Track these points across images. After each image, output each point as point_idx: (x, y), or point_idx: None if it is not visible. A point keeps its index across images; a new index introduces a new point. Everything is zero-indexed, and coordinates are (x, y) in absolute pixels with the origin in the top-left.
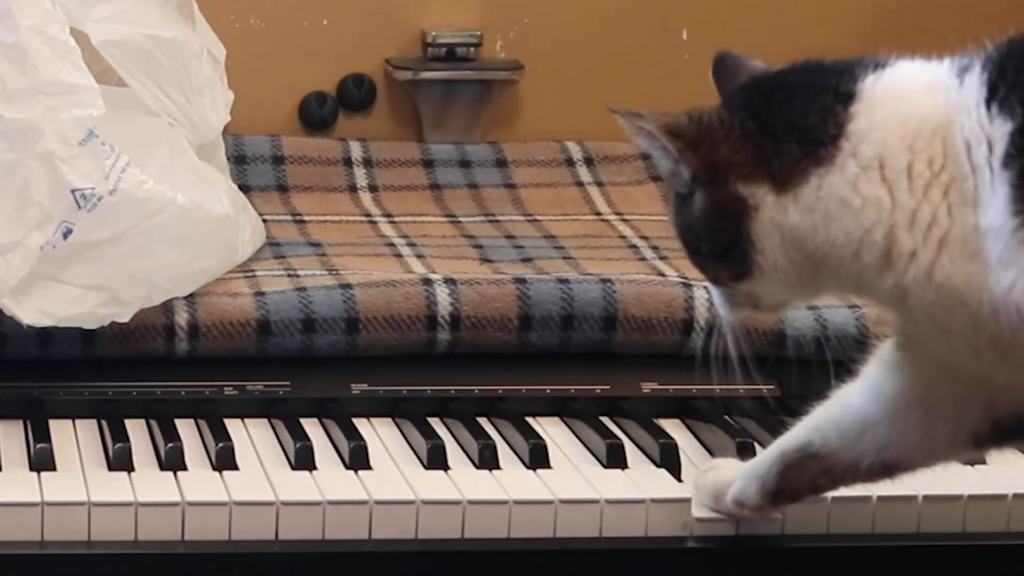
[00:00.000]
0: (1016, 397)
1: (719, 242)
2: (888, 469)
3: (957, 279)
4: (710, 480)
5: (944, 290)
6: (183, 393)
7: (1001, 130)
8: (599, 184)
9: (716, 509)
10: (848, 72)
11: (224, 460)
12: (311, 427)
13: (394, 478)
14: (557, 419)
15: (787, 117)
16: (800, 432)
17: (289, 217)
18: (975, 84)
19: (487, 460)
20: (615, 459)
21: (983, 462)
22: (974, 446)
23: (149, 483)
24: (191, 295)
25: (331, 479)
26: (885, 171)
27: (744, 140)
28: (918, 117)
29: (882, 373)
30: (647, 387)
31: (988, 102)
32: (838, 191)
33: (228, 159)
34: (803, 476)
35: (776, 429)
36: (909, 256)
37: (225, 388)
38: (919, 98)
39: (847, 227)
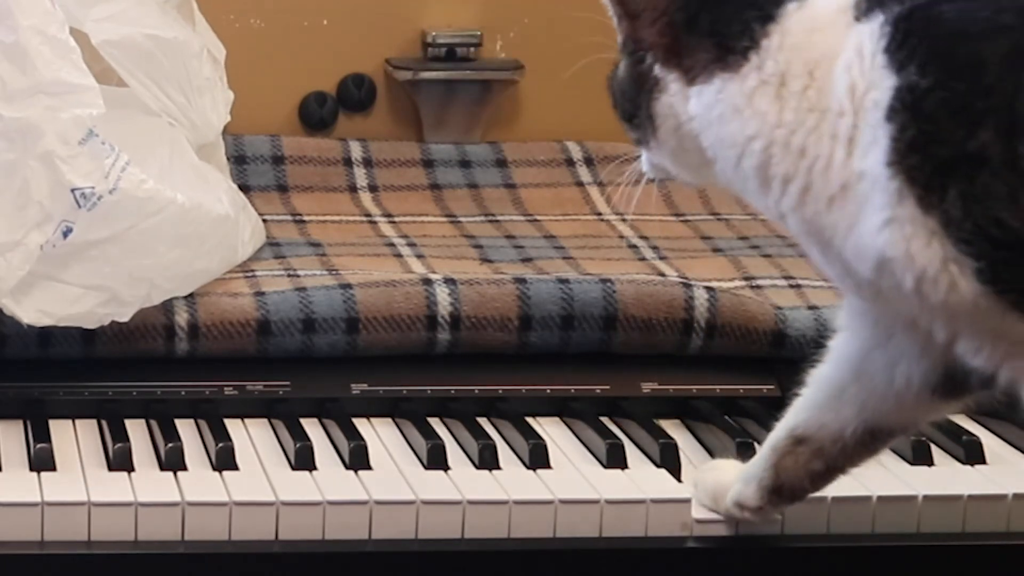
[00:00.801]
0: (942, 343)
1: (628, 107)
2: (872, 434)
3: (825, 219)
4: (710, 481)
5: (812, 226)
6: (183, 393)
7: (889, 82)
8: (599, 184)
9: (716, 510)
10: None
11: (224, 460)
12: (311, 427)
13: (394, 478)
14: (557, 419)
15: (712, 19)
16: (784, 422)
17: (289, 217)
18: (876, 30)
19: (487, 460)
20: (615, 459)
21: (983, 462)
22: (939, 397)
23: (149, 483)
24: (191, 295)
25: (331, 479)
26: (782, 89)
27: (669, 28)
28: (825, 48)
29: (841, 337)
30: (647, 387)
31: (886, 51)
32: (734, 98)
33: (228, 159)
34: (796, 464)
35: None
36: (782, 181)
37: (225, 388)
38: (829, 30)
39: (733, 132)
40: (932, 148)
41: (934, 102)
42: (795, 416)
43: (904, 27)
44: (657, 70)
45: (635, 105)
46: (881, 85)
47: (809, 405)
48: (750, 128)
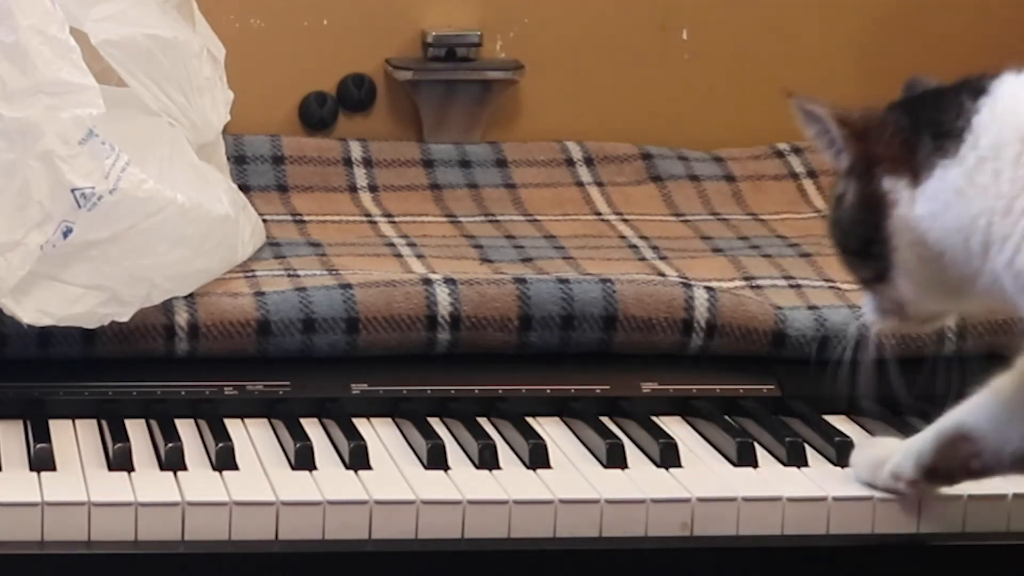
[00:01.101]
0: None
1: (861, 236)
2: None
3: None
4: (870, 455)
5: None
6: (183, 393)
7: None
8: (599, 184)
9: (872, 483)
10: (988, 76)
11: (224, 460)
12: (311, 427)
13: (394, 478)
14: (557, 419)
15: (929, 113)
16: (956, 413)
17: (289, 217)
18: None
19: (487, 460)
20: (615, 459)
21: None
22: None
23: (149, 483)
24: (191, 295)
25: (331, 479)
26: (997, 162)
27: (895, 136)
28: None
29: None
30: (647, 387)
31: None
32: (956, 181)
33: (228, 159)
34: (956, 455)
35: (776, 429)
36: (1001, 241)
37: (225, 388)
38: None
39: (959, 215)
40: None
41: None
42: (967, 413)
43: None
44: (886, 184)
45: (869, 231)
46: None
47: (981, 409)
48: (974, 206)
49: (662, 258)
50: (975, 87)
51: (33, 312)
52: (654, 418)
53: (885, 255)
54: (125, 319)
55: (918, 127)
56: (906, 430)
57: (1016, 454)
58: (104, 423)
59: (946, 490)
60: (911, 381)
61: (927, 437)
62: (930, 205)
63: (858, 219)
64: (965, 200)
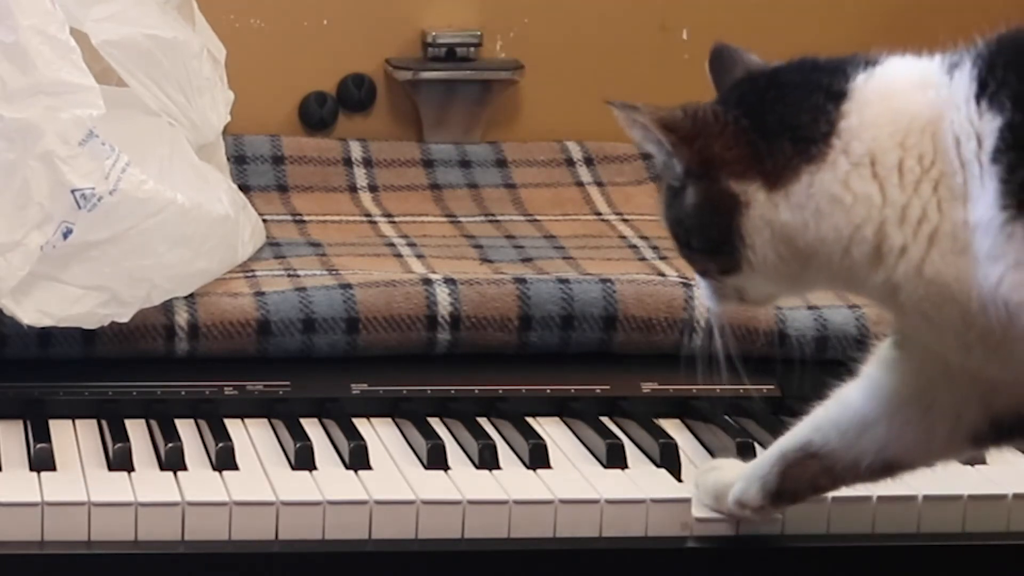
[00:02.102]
0: (1012, 395)
1: (709, 237)
2: (888, 468)
3: (947, 274)
4: (711, 480)
5: (934, 285)
6: (183, 393)
7: (990, 125)
8: (599, 184)
9: (717, 509)
10: (840, 70)
11: (224, 460)
12: (311, 427)
13: (394, 478)
14: (557, 419)
15: (780, 115)
16: (800, 432)
17: (289, 217)
18: (965, 80)
19: (487, 460)
20: (615, 459)
21: (983, 462)
22: (973, 444)
23: (149, 483)
24: (191, 295)
25: (331, 479)
26: (876, 168)
27: (738, 137)
28: (909, 114)
29: (880, 371)
30: (647, 387)
31: (978, 97)
32: (829, 188)
33: (228, 159)
34: (804, 476)
35: (776, 429)
36: (899, 252)
37: (225, 388)
38: (909, 95)
39: (837, 224)
40: None
41: None
42: (811, 431)
43: (991, 65)
44: (734, 187)
45: (718, 232)
46: (983, 130)
47: (829, 426)
48: (857, 215)
49: (662, 258)
50: (832, 90)
51: (33, 313)
52: (654, 418)
53: (736, 252)
54: (125, 320)
55: (766, 130)
56: None
57: (873, 466)
58: (104, 423)
59: (946, 490)
60: None
61: (771, 460)
62: (799, 212)
63: (705, 220)
64: (843, 208)
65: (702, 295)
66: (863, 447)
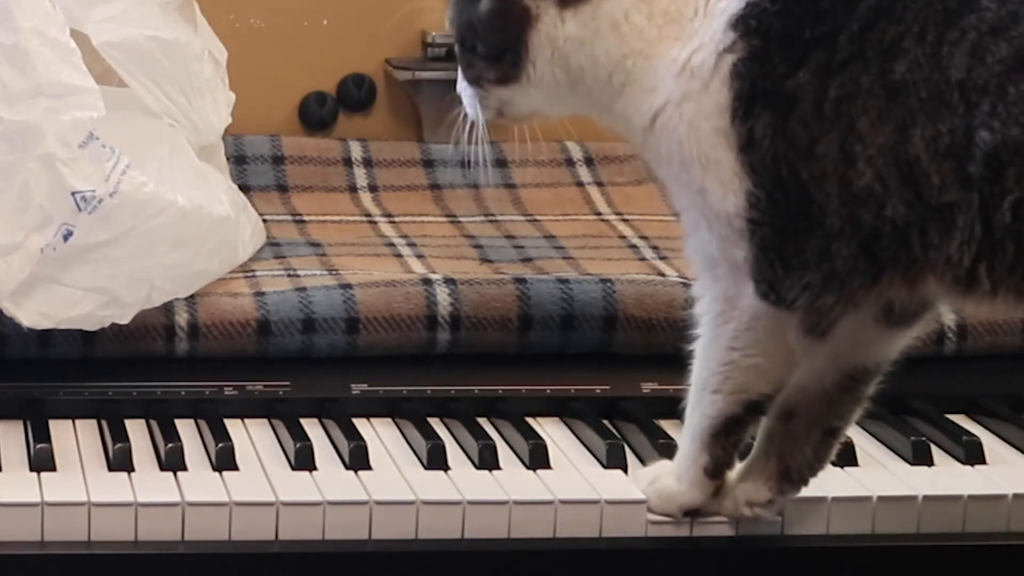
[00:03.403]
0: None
1: (496, 44)
2: (851, 378)
3: (641, 108)
4: (659, 488)
5: (629, 122)
6: (183, 393)
7: None
8: (599, 184)
9: (670, 514)
10: None
11: (224, 460)
12: (311, 427)
13: (394, 478)
14: (557, 419)
15: None
16: (710, 408)
17: (289, 217)
18: None
19: (487, 460)
20: (615, 459)
21: (983, 462)
22: (892, 325)
23: (149, 483)
24: (191, 295)
25: (331, 479)
26: (650, 5)
27: None
28: None
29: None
30: (647, 387)
31: None
32: (612, 14)
33: (228, 159)
34: (795, 442)
35: None
36: (633, 84)
37: (225, 388)
38: None
39: (609, 48)
40: (758, 74)
41: (773, 26)
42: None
43: None
44: (527, 1)
45: (506, 41)
46: None
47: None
48: (627, 45)
49: (662, 258)
50: None
51: (33, 315)
52: (654, 418)
53: (518, 64)
54: (125, 321)
55: None
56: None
57: (837, 379)
58: (104, 423)
59: (946, 490)
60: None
61: (760, 450)
62: (581, 31)
63: (496, 28)
64: (619, 36)
65: (465, 102)
66: (817, 370)
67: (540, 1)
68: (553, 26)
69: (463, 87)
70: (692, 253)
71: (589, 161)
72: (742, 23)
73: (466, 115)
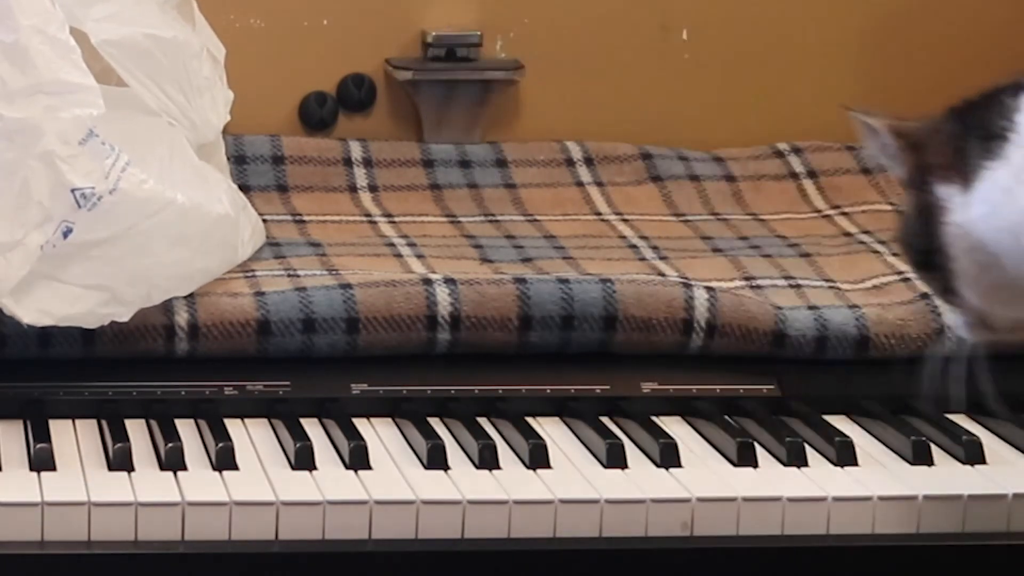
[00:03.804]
0: None
1: (920, 247)
2: None
3: None
4: None
5: None
6: (183, 393)
7: None
8: (599, 184)
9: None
10: None
11: (224, 460)
12: (311, 427)
13: (394, 478)
14: (557, 419)
15: (977, 116)
16: None
17: (289, 217)
18: None
19: (487, 460)
20: (615, 459)
21: (983, 462)
22: None
23: (149, 483)
24: (191, 295)
25: (331, 479)
26: None
27: (947, 143)
28: None
29: None
30: (647, 387)
31: None
32: (1004, 181)
33: (228, 159)
34: None
35: (776, 429)
36: None
37: (225, 388)
38: None
39: (1009, 214)
40: None
41: None
42: None
43: None
44: (940, 192)
45: (927, 241)
46: None
47: None
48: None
49: (662, 258)
50: (1016, 85)
51: (33, 312)
52: (654, 418)
53: (946, 265)
54: (125, 319)
55: (967, 132)
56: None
57: None
58: (104, 423)
59: (946, 490)
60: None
61: None
62: (981, 208)
63: (917, 230)
64: (1013, 199)
65: (956, 327)
66: None
67: (948, 190)
68: (960, 213)
69: (953, 315)
70: None
71: (589, 161)
72: None
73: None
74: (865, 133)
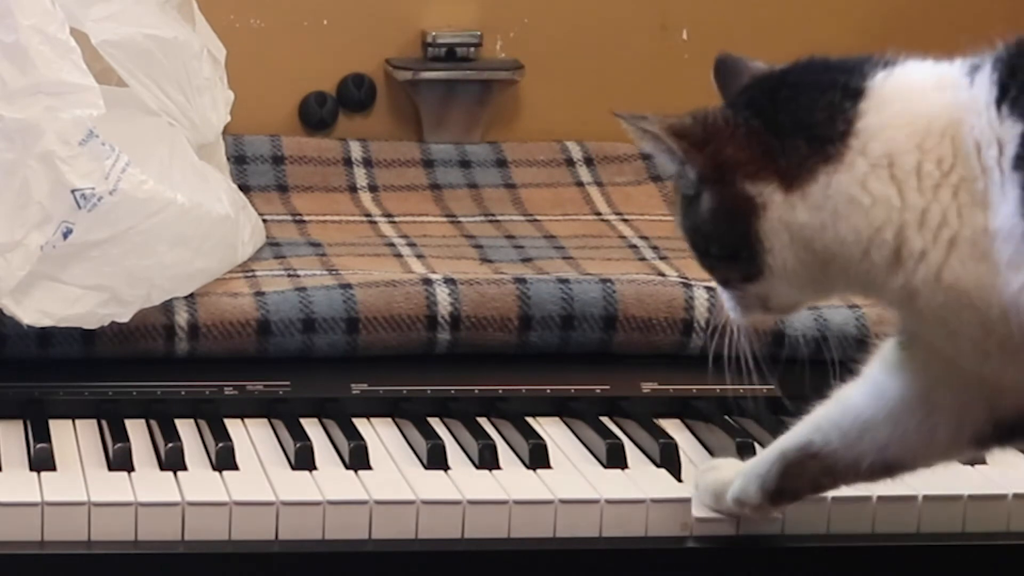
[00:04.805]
0: (1020, 397)
1: (728, 243)
2: (889, 469)
3: (967, 281)
4: (710, 480)
5: (953, 291)
6: (183, 393)
7: (1012, 131)
8: (599, 184)
9: (717, 509)
10: (856, 69)
11: (224, 460)
12: (311, 427)
13: (394, 478)
14: (557, 419)
15: (794, 114)
16: (801, 432)
17: (289, 217)
18: (985, 84)
19: (487, 460)
20: (615, 459)
21: (983, 462)
22: (976, 446)
23: (149, 483)
24: (191, 295)
25: (331, 479)
26: (894, 169)
27: (750, 138)
28: (928, 116)
29: (884, 373)
30: (647, 387)
31: (999, 103)
32: (847, 189)
33: (228, 159)
34: (804, 475)
35: (776, 429)
36: (919, 256)
37: (225, 388)
38: (929, 96)
39: (856, 226)
40: None
41: None
42: (812, 431)
43: (1013, 69)
44: (750, 188)
45: (737, 237)
46: (1004, 136)
47: (830, 426)
48: (876, 218)
49: (662, 258)
50: (850, 88)
51: (33, 313)
52: (654, 418)
53: (755, 257)
54: (125, 319)
55: (779, 129)
56: None
57: (874, 466)
58: (104, 423)
59: (946, 490)
60: None
61: (771, 459)
62: (816, 213)
63: (722, 225)
64: (861, 210)
65: (726, 307)
66: (864, 448)
67: (763, 187)
68: (783, 211)
69: (720, 290)
70: None
71: (589, 161)
72: None
73: (730, 319)
74: (641, 137)
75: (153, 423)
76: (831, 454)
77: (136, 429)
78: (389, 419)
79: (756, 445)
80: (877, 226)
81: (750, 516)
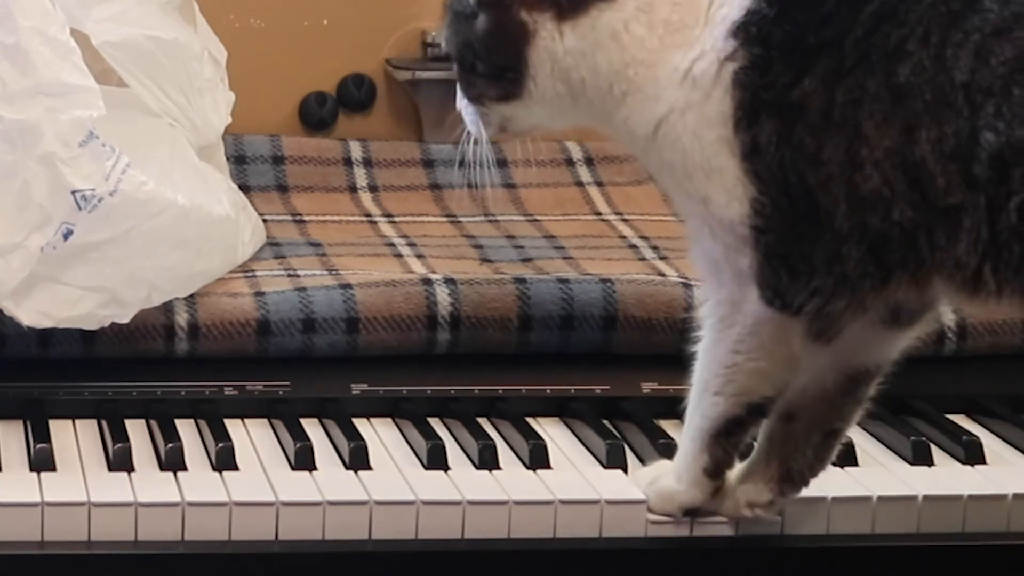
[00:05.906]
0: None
1: (495, 64)
2: (852, 379)
3: (643, 118)
4: (659, 488)
5: (631, 132)
6: (183, 393)
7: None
8: (599, 184)
9: (670, 514)
10: None
11: (224, 460)
12: (311, 427)
13: (394, 478)
14: (557, 419)
15: None
16: (715, 410)
17: (289, 217)
18: None
19: (487, 460)
20: (615, 459)
21: (983, 462)
22: (895, 327)
23: (149, 483)
24: (191, 295)
25: (331, 479)
26: (651, 15)
27: None
28: None
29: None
30: (647, 387)
31: None
32: (613, 25)
33: (228, 159)
34: (796, 444)
35: None
36: (636, 93)
37: (225, 388)
38: None
39: (610, 59)
40: (760, 83)
41: (773, 33)
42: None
43: None
44: (524, 16)
45: (505, 59)
46: (734, 3)
47: (765, 386)
48: (628, 55)
49: (662, 258)
50: None
51: (34, 314)
52: (654, 418)
53: (518, 80)
54: (125, 320)
55: None
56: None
57: (839, 381)
58: (104, 423)
59: (946, 490)
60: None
61: (762, 451)
62: (580, 43)
63: (494, 46)
64: (620, 46)
65: (467, 119)
66: (818, 370)
67: (537, 15)
68: (552, 40)
69: (463, 105)
70: (696, 258)
71: (589, 161)
72: (742, 31)
73: (469, 132)
74: None
75: (153, 423)
76: (801, 400)
77: (136, 429)
78: (389, 419)
79: (755, 444)
80: (626, 61)
81: (763, 516)
